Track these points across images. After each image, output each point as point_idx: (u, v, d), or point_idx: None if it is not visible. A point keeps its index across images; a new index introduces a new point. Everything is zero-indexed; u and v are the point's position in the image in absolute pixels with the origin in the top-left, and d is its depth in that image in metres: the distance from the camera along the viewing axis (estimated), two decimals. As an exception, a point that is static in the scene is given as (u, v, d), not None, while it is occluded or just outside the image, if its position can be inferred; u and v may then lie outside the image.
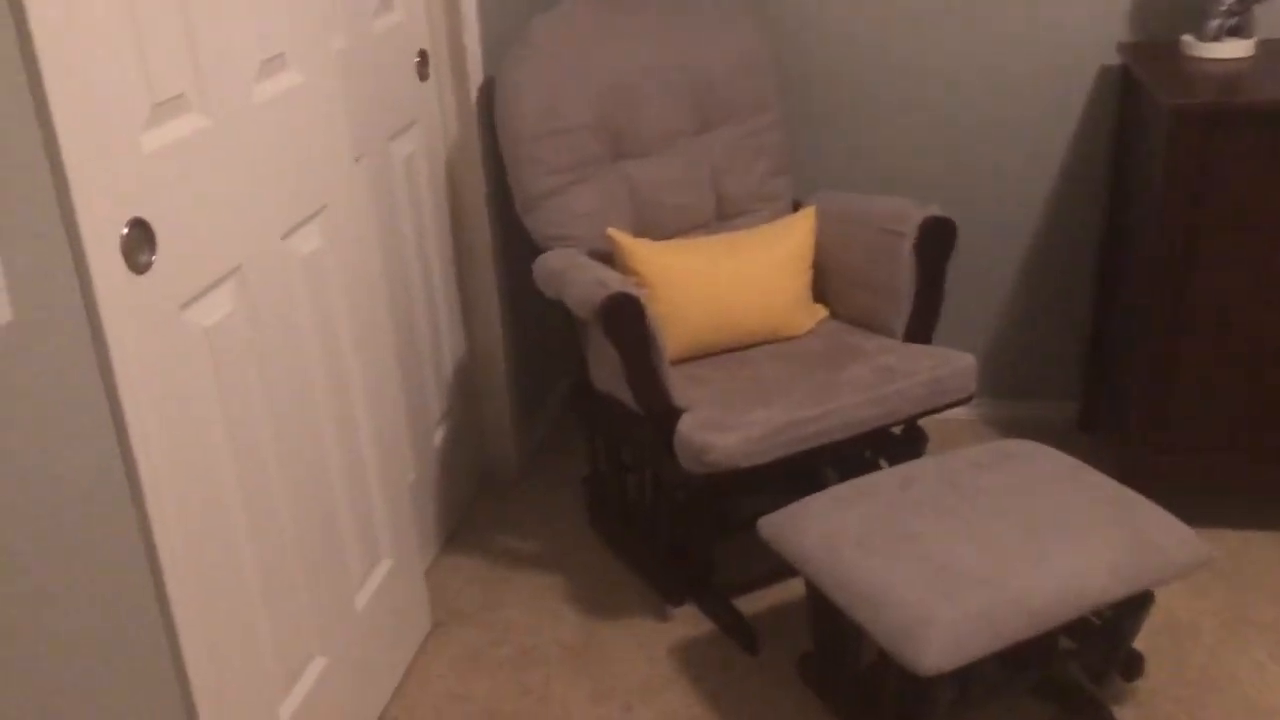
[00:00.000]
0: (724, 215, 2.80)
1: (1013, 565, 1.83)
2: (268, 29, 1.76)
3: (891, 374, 2.34)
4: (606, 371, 2.41)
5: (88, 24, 1.35)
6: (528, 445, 3.09)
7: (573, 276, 2.34)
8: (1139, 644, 2.16)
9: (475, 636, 2.46)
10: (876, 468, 2.41)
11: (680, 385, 2.33)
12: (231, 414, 1.68)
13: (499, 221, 2.81)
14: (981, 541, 1.88)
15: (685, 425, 2.19)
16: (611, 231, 2.50)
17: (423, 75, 2.57)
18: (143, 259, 1.47)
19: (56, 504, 1.31)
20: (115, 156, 1.41)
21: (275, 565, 1.82)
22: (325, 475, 1.98)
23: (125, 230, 1.43)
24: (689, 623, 2.46)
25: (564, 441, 3.17)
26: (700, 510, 2.35)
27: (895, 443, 2.48)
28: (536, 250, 2.57)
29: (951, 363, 2.38)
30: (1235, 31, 2.59)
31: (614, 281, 2.25)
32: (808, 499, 2.09)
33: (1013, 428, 3.09)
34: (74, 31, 1.32)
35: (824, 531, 1.98)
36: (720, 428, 2.18)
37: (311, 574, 1.94)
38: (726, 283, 2.50)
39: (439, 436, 2.73)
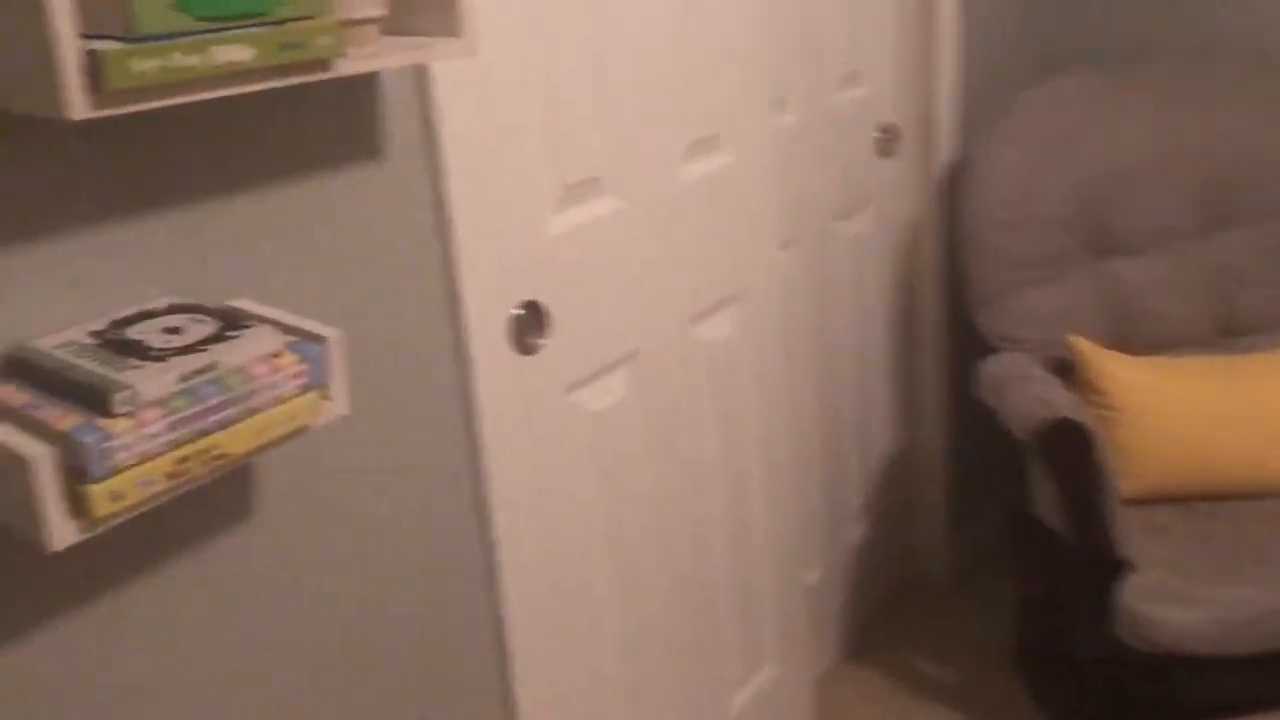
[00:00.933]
0: (1231, 331, 2.34)
1: None
2: (701, 110, 1.70)
3: None
4: (1046, 498, 2.09)
5: (498, 108, 1.36)
6: (959, 558, 2.80)
7: (1014, 389, 2.05)
8: None
9: (859, 765, 2.24)
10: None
11: (1133, 533, 1.95)
12: (611, 501, 1.63)
13: (951, 313, 2.56)
14: None
15: (1131, 589, 1.82)
16: (1075, 339, 2.17)
17: (883, 152, 2.41)
18: (531, 341, 1.46)
19: (412, 580, 1.33)
20: (514, 238, 1.41)
21: (641, 660, 1.74)
22: (709, 570, 1.88)
23: (517, 312, 1.42)
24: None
25: (1002, 560, 2.83)
26: (1138, 690, 1.95)
27: None
28: (987, 349, 2.30)
29: None
30: None
31: (1060, 403, 1.94)
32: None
33: None
34: (482, 114, 1.34)
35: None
36: (1179, 600, 1.79)
37: (681, 672, 1.84)
38: (1223, 415, 2.07)
39: (855, 535, 2.54)
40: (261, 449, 0.95)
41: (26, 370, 0.91)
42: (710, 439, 1.84)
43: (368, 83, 1.19)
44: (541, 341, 1.47)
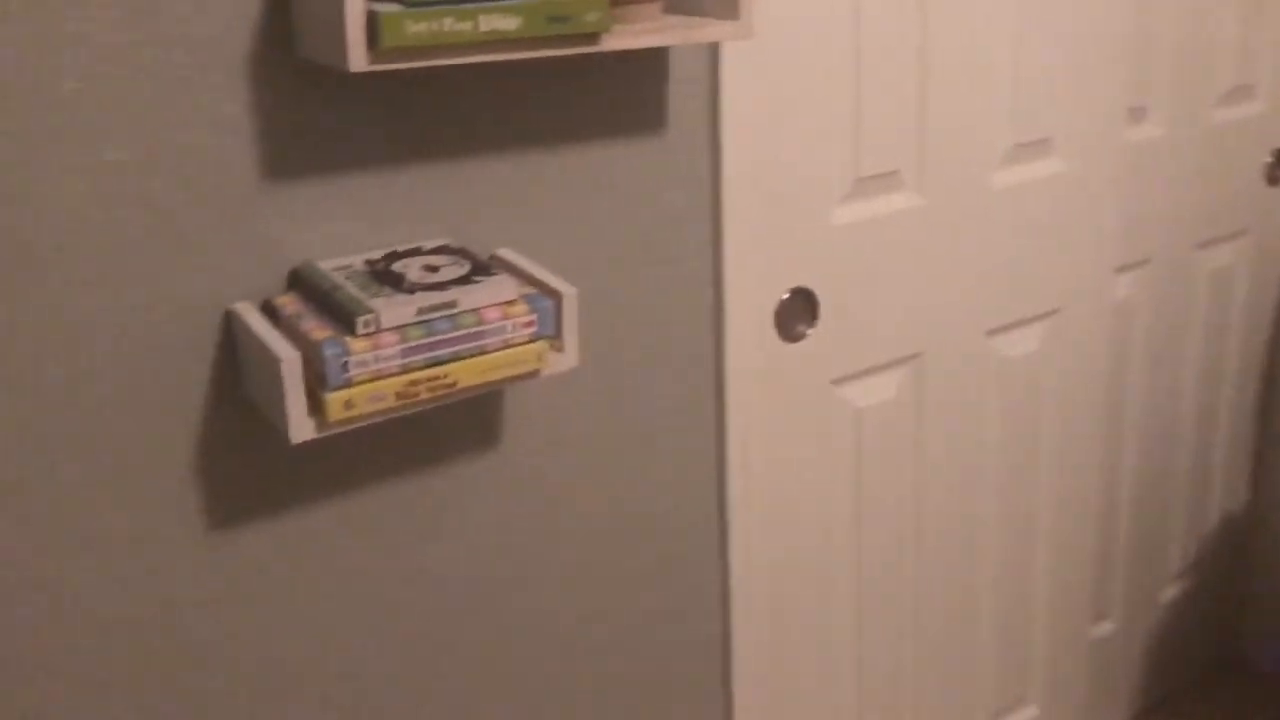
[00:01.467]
0: None
1: None
2: (1032, 111, 1.61)
3: None
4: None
5: (793, 92, 1.36)
6: (1298, 644, 2.46)
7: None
8: None
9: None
10: None
11: None
12: (864, 501, 1.61)
13: (1332, 368, 2.24)
14: None
15: None
16: None
17: (1273, 179, 2.14)
18: (798, 328, 1.46)
19: (640, 547, 1.38)
20: (792, 224, 1.41)
21: (877, 676, 1.71)
22: (968, 596, 1.79)
23: (785, 297, 1.43)
24: None
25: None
26: None
27: None
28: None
29: None
30: None
31: None
32: None
33: None
34: (773, 97, 1.35)
35: None
36: None
37: (921, 695, 1.78)
38: None
39: (1170, 596, 2.30)
40: (487, 385, 1.04)
41: (307, 284, 1.05)
42: (993, 460, 1.74)
43: (655, 57, 1.24)
44: (809, 330, 1.47)
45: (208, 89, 0.99)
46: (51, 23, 0.91)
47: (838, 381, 1.53)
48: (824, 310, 1.47)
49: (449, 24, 0.93)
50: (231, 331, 1.05)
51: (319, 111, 1.05)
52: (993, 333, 1.68)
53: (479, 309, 1.02)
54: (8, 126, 0.91)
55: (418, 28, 0.91)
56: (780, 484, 1.50)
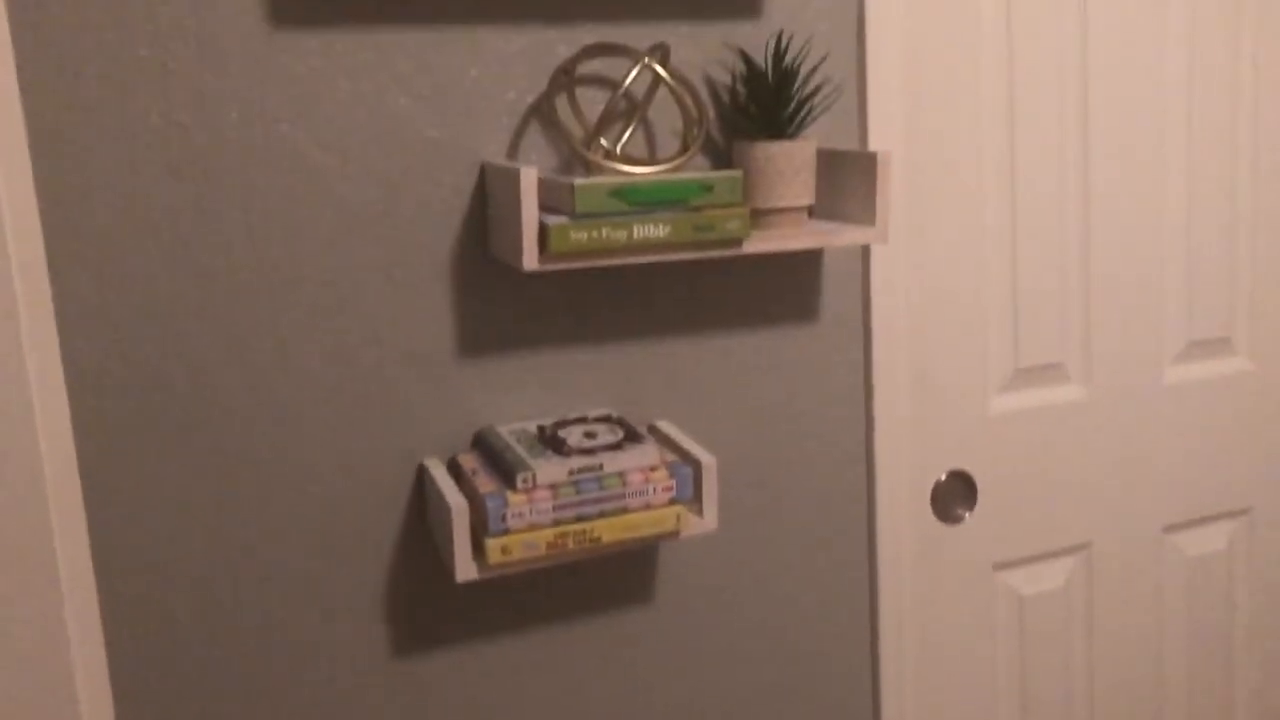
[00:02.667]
0: None
1: None
2: (1209, 309, 1.62)
3: None
4: None
5: (947, 286, 1.46)
6: None
7: None
8: None
9: None
10: None
11: None
12: (1023, 692, 1.59)
13: None
14: None
15: None
16: None
17: None
18: (956, 510, 1.51)
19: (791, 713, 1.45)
20: (948, 410, 1.48)
21: None
22: (1156, 805, 1.71)
23: (941, 478, 1.49)
24: None
25: None
26: None
27: None
28: None
29: None
30: None
31: None
32: None
33: None
34: (927, 291, 1.44)
35: None
36: None
37: None
38: None
39: None
40: (628, 542, 1.17)
41: (486, 444, 1.23)
42: (1175, 660, 1.69)
43: (805, 254, 1.37)
44: (968, 513, 1.51)
45: (421, 281, 1.21)
46: (321, 243, 1.15)
47: (1000, 567, 1.55)
48: (983, 494, 1.52)
49: (607, 232, 1.10)
50: (422, 482, 1.24)
51: (507, 300, 1.25)
52: (1172, 528, 1.66)
53: (623, 473, 1.17)
54: (276, 316, 1.15)
55: (579, 235, 1.09)
56: (937, 664, 1.53)
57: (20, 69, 1.04)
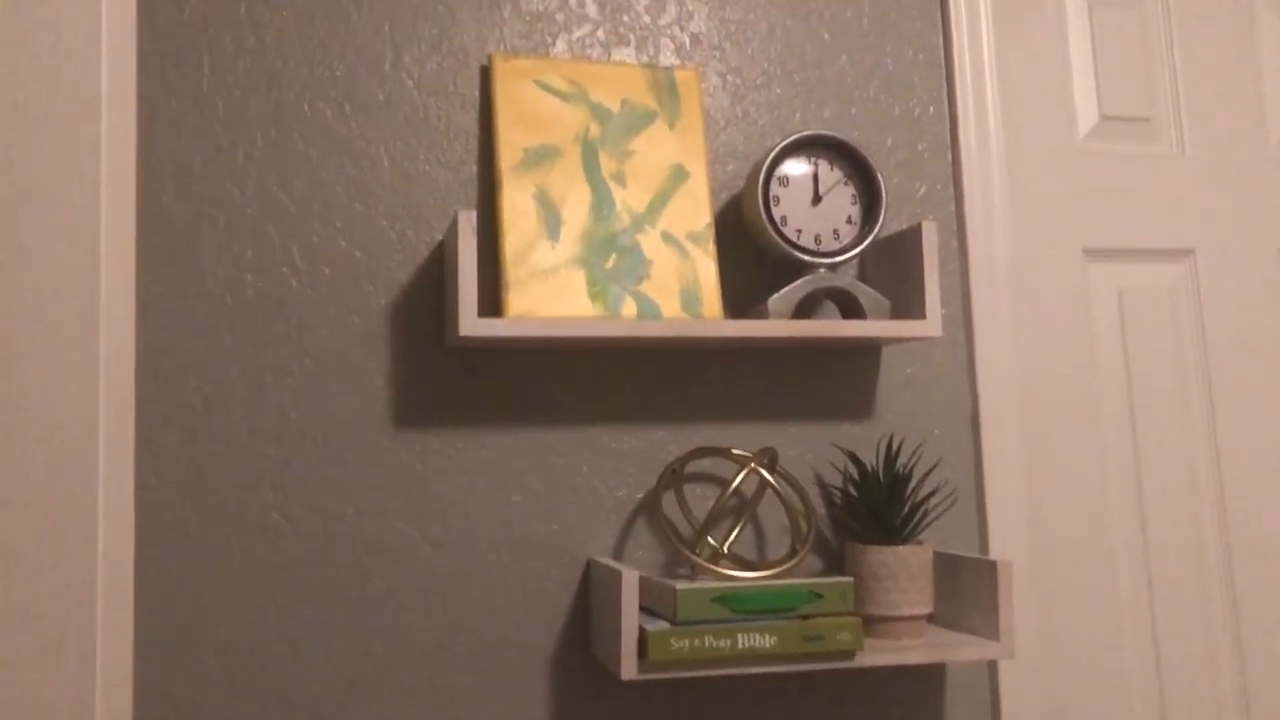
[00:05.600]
0: None
1: None
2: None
3: None
4: None
5: (1085, 697, 1.34)
6: None
7: None
8: None
9: None
10: None
11: None
12: None
13: None
14: None
15: None
16: None
17: None
18: None
19: None
20: (1098, 847, 1.31)
21: None
22: None
23: None
24: None
25: None
26: None
27: None
28: None
29: None
30: None
31: None
32: None
33: None
34: (1055, 695, 1.32)
35: None
36: None
37: None
38: None
39: None
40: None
41: None
42: None
43: (930, 666, 1.29)
44: None
45: (519, 679, 1.17)
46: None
47: None
48: None
49: (710, 641, 1.06)
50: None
51: (604, 708, 1.19)
52: None
53: None
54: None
55: (680, 644, 1.05)
56: None
57: (139, 482, 1.11)
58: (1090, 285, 1.45)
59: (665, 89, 1.26)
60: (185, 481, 1.11)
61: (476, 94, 1.24)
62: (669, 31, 1.31)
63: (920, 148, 1.37)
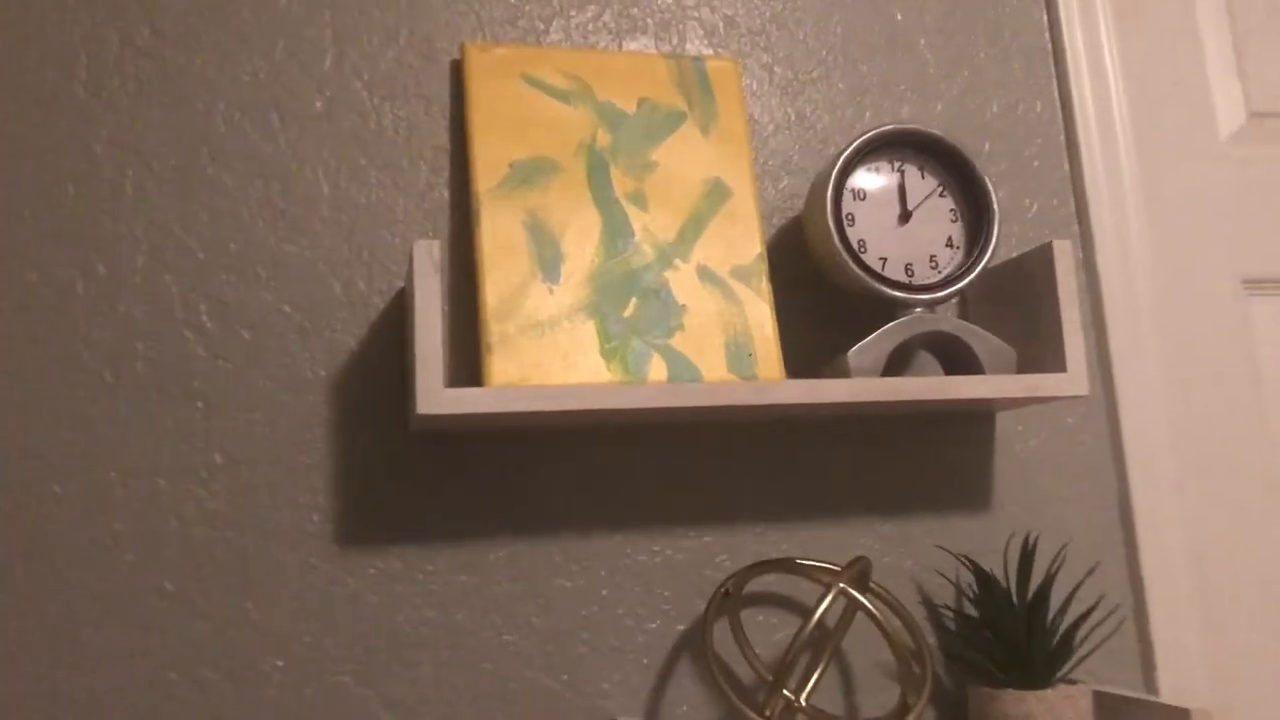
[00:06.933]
0: None
1: None
2: None
3: None
4: None
5: None
6: None
7: None
8: None
9: None
10: None
11: None
12: None
13: None
14: None
15: None
16: None
17: None
18: None
19: None
20: None
21: None
22: None
23: None
24: None
25: None
26: None
27: None
28: None
29: None
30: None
31: None
32: None
33: None
34: None
35: None
36: None
37: None
38: None
39: None
40: None
41: None
42: None
43: None
44: None
45: None
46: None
47: None
48: None
49: None
50: None
51: None
52: None
53: None
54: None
55: None
56: None
57: None
58: (1251, 324, 1.12)
59: (695, 84, 0.96)
60: (43, 634, 0.79)
61: (446, 96, 0.94)
62: (696, 13, 1.01)
63: (1027, 154, 1.06)
